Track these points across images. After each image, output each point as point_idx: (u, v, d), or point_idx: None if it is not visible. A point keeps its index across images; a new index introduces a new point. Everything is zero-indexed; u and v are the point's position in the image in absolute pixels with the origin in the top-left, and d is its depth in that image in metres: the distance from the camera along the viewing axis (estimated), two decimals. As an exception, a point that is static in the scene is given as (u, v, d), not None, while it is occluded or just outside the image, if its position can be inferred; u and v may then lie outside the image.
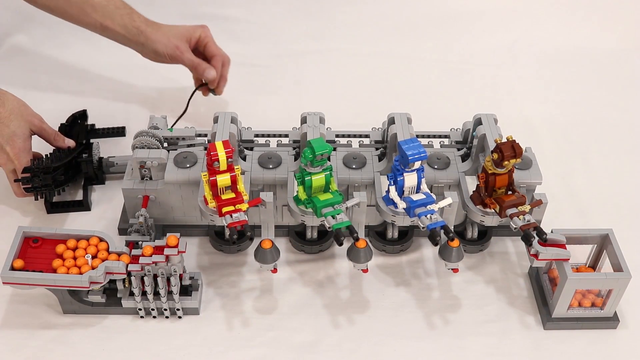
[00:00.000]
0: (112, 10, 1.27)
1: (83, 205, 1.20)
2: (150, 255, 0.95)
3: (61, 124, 1.29)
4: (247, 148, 1.14)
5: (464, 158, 1.14)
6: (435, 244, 0.94)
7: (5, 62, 1.58)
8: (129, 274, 0.97)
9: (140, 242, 1.00)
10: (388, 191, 1.00)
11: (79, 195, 1.23)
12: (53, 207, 1.19)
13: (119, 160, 1.24)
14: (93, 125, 1.36)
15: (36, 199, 1.15)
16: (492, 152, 0.97)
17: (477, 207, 1.03)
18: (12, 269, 0.95)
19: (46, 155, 1.18)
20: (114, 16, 1.27)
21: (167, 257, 0.96)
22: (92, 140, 1.27)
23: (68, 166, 1.18)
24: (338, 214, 0.96)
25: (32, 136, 1.16)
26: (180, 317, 1.03)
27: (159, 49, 1.27)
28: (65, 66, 1.57)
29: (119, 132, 1.37)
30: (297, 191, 1.00)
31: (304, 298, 1.07)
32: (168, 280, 0.98)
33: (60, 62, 1.58)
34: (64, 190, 1.20)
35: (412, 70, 1.59)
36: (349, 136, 1.18)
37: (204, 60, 1.30)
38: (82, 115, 1.34)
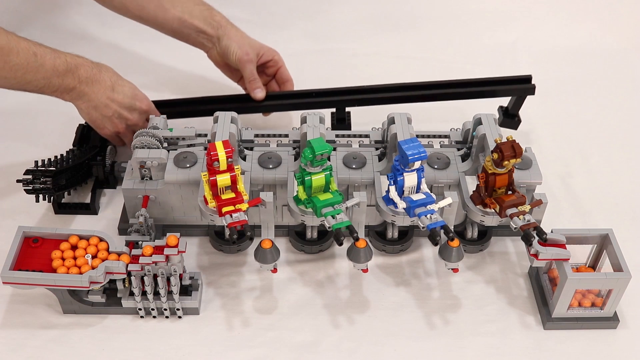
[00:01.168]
0: (192, 6, 1.27)
1: (90, 209, 1.20)
2: (150, 255, 0.95)
3: (79, 125, 1.28)
4: (247, 148, 1.14)
5: (464, 158, 1.14)
6: (435, 244, 0.94)
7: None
8: (129, 273, 0.97)
9: (140, 242, 1.00)
10: (388, 191, 1.00)
11: (90, 198, 1.22)
12: (61, 208, 1.19)
13: None
14: None
15: (37, 200, 1.15)
16: (492, 152, 0.97)
17: (477, 207, 1.03)
18: (12, 268, 0.95)
19: (55, 157, 1.18)
20: (193, 11, 1.27)
21: (167, 257, 0.96)
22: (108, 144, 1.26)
23: (78, 169, 1.18)
24: (338, 214, 0.96)
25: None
26: (180, 317, 1.03)
27: (231, 48, 1.26)
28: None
29: None
30: (297, 191, 1.00)
31: (304, 298, 1.07)
32: (168, 280, 0.98)
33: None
34: (70, 194, 1.21)
35: (412, 70, 1.59)
36: (349, 136, 1.18)
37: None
38: None
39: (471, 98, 1.25)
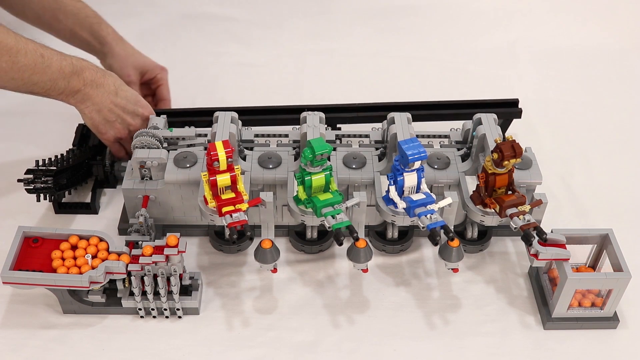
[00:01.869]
0: (83, 18, 1.29)
1: (90, 208, 1.20)
2: (150, 255, 0.95)
3: (79, 124, 1.27)
4: (247, 148, 1.14)
5: (464, 158, 1.14)
6: (435, 244, 0.94)
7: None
8: (129, 273, 0.97)
9: (140, 242, 1.00)
10: (388, 191, 1.00)
11: (90, 197, 1.22)
12: (61, 208, 1.19)
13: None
14: None
15: (38, 200, 1.15)
16: (492, 152, 0.97)
17: (477, 207, 1.03)
18: (12, 268, 0.95)
19: (56, 156, 1.17)
20: (83, 23, 1.29)
21: (167, 257, 0.96)
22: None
23: (78, 168, 1.18)
24: (338, 214, 0.96)
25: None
26: (180, 317, 1.03)
27: (114, 67, 1.29)
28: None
29: None
30: (297, 191, 1.00)
31: (304, 298, 1.07)
32: (168, 280, 0.98)
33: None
34: (70, 193, 1.20)
35: (412, 70, 1.59)
36: (349, 136, 1.18)
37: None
38: None
39: (457, 119, 1.25)
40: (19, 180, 1.13)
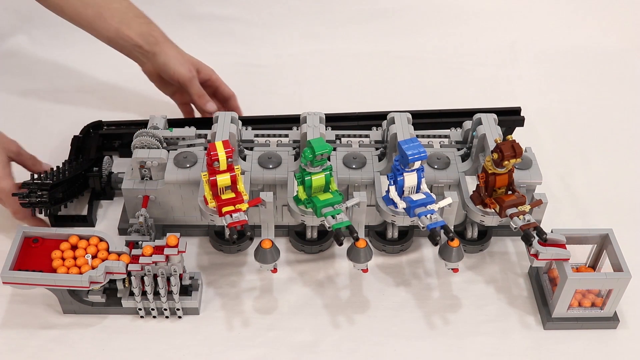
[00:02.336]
0: (131, 18, 1.25)
1: (87, 221, 1.17)
2: (150, 255, 0.95)
3: (74, 136, 1.26)
4: (247, 148, 1.14)
5: (464, 158, 1.14)
6: (435, 244, 0.94)
7: (4, 62, 1.57)
8: (129, 273, 0.97)
9: (140, 242, 1.00)
10: (388, 191, 1.00)
11: (87, 210, 1.19)
12: (57, 221, 1.16)
13: None
14: (112, 135, 1.30)
15: (33, 214, 1.11)
16: (492, 152, 0.97)
17: (477, 207, 1.03)
18: (12, 268, 0.95)
19: (51, 169, 1.14)
20: (131, 23, 1.24)
21: (167, 257, 0.96)
22: (105, 154, 1.24)
23: (74, 181, 1.15)
24: (338, 214, 0.96)
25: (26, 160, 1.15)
26: (180, 317, 1.03)
27: (170, 64, 1.25)
28: (66, 67, 1.56)
29: None
30: (297, 191, 1.00)
31: (304, 298, 1.07)
32: (168, 280, 0.98)
33: (60, 62, 1.57)
34: (66, 207, 1.17)
35: (412, 70, 1.59)
36: (349, 136, 1.18)
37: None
38: (95, 126, 1.30)
39: (459, 127, 1.24)
40: (13, 195, 1.08)
